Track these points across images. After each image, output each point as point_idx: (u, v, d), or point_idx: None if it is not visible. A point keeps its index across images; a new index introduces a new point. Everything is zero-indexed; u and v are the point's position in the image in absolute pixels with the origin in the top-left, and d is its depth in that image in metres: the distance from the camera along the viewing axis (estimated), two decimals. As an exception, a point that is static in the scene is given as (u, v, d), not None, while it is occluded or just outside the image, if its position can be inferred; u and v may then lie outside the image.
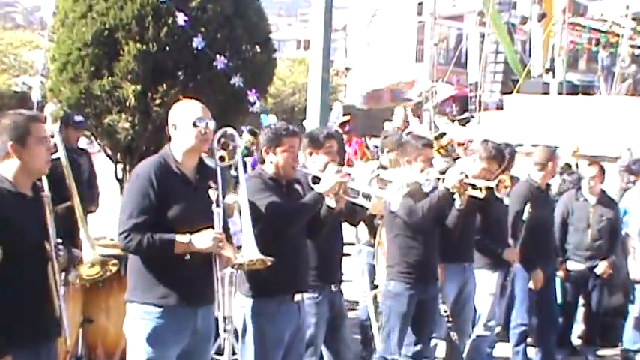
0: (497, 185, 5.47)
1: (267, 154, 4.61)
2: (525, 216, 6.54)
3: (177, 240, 3.75)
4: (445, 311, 5.94)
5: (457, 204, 5.56)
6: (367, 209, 5.05)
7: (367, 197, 4.76)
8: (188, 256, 3.79)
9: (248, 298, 4.53)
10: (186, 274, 3.84)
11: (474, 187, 5.53)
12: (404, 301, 5.52)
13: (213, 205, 3.88)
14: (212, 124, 3.96)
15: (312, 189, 4.57)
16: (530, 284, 6.77)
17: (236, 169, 4.61)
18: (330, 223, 4.70)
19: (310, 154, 5.12)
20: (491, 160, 6.00)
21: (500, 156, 6.13)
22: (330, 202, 4.59)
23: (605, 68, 21.07)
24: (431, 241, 5.69)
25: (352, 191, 4.74)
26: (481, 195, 5.51)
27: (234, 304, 4.91)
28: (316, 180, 4.67)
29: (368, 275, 7.20)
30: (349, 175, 4.74)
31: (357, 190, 4.77)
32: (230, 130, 4.37)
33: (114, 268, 3.97)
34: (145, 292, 3.85)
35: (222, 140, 4.33)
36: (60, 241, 3.60)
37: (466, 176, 5.54)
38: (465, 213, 5.60)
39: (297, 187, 4.76)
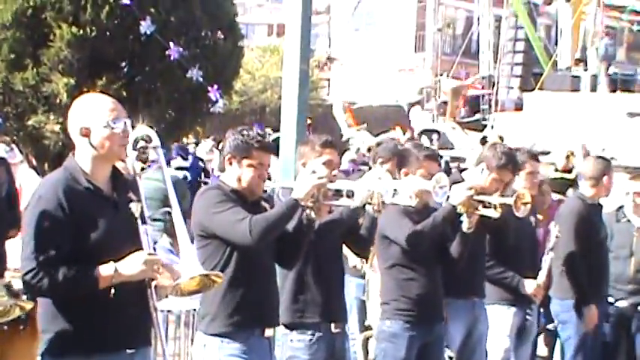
0: (515, 202, 5.51)
1: (230, 163, 4.63)
2: (553, 239, 6.61)
3: (100, 272, 3.73)
4: (450, 358, 5.96)
5: (464, 226, 5.56)
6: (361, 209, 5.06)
7: (349, 197, 4.78)
8: (112, 292, 3.74)
9: (210, 337, 4.54)
10: (116, 313, 3.81)
11: (485, 204, 5.56)
12: (402, 344, 5.51)
13: (139, 222, 3.87)
14: (129, 123, 3.96)
15: None
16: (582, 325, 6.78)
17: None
18: (306, 243, 4.72)
19: (304, 165, 5.16)
20: (503, 169, 6.03)
21: (513, 163, 6.19)
22: (309, 213, 4.62)
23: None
24: (434, 271, 5.68)
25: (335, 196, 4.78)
26: (496, 214, 5.54)
27: (193, 348, 4.93)
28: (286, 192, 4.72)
29: (357, 313, 7.23)
30: (333, 176, 4.77)
31: (339, 189, 4.79)
32: (145, 128, 4.31)
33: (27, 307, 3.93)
34: (65, 342, 3.82)
35: (140, 143, 4.26)
36: None
37: (476, 191, 5.57)
38: (473, 237, 5.63)
39: (265, 205, 4.79)
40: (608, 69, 20.17)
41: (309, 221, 4.65)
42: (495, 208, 5.53)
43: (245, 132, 4.69)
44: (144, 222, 3.91)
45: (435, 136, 20.20)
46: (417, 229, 5.51)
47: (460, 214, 5.51)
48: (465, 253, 5.64)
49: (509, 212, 5.57)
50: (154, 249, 3.97)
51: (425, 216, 5.53)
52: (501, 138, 13.94)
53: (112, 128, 3.86)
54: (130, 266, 3.77)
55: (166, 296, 4.03)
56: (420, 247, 5.51)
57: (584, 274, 6.71)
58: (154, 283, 3.85)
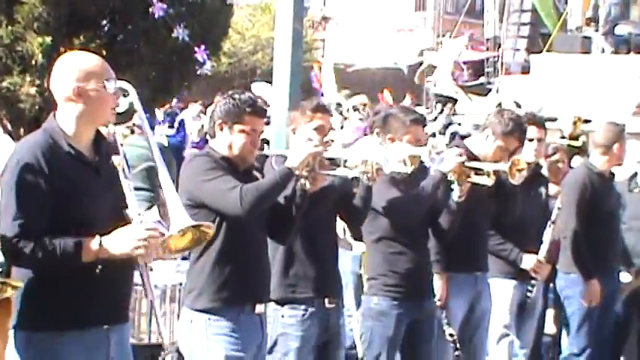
0: (510, 169, 5.51)
1: (221, 129, 4.64)
2: (555, 213, 6.61)
3: (84, 245, 3.72)
4: (451, 335, 5.97)
5: (455, 195, 5.57)
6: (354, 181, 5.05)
7: (349, 167, 4.78)
8: (99, 269, 3.74)
9: (197, 313, 4.57)
10: (96, 290, 3.81)
11: (478, 171, 5.55)
12: (390, 323, 5.55)
13: (121, 175, 3.85)
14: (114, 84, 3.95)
15: None
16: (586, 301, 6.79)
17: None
18: (300, 216, 4.71)
19: (294, 130, 5.15)
20: (509, 136, 6.01)
21: (520, 130, 6.17)
22: (303, 183, 4.62)
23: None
24: (423, 244, 5.72)
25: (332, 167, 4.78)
26: (489, 182, 5.54)
27: (179, 325, 4.94)
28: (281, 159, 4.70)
29: (353, 289, 7.24)
30: (326, 143, 4.78)
31: (335, 158, 4.79)
32: (121, 83, 4.28)
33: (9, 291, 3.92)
34: (38, 316, 3.83)
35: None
36: None
37: (468, 157, 5.56)
38: (467, 207, 5.63)
39: (257, 174, 4.79)
40: (612, 31, 20.09)
41: (303, 192, 4.64)
42: (488, 175, 5.53)
43: (237, 96, 4.68)
44: (126, 177, 3.90)
45: (449, 105, 19.94)
46: (405, 199, 5.51)
47: (451, 182, 5.51)
48: (455, 223, 5.65)
49: (521, 183, 5.57)
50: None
51: (413, 185, 5.51)
52: (518, 104, 13.91)
53: (106, 89, 3.84)
54: (118, 243, 3.74)
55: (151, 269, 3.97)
56: (408, 219, 5.51)
57: (588, 247, 6.70)
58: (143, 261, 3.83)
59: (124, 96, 4.13)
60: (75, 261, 3.72)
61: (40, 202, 3.73)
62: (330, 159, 4.82)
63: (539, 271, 6.48)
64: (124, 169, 3.91)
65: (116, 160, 3.90)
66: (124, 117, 4.22)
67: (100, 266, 3.76)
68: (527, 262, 6.41)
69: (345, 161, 4.81)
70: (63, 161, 3.82)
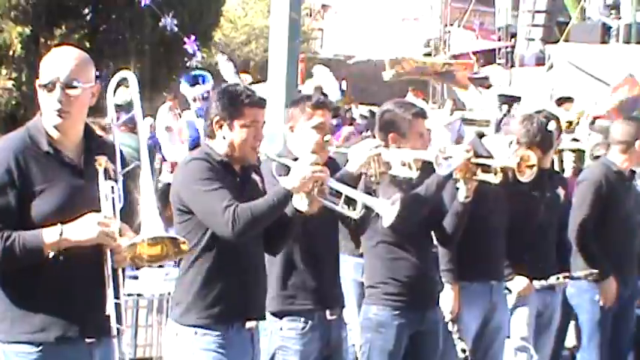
0: (518, 165, 5.49)
1: (220, 127, 4.59)
2: (585, 212, 6.63)
3: (44, 235, 3.71)
4: (464, 351, 5.97)
5: (461, 195, 5.56)
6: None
7: (350, 204, 4.78)
8: (60, 257, 3.73)
9: (183, 327, 4.56)
10: (64, 292, 3.81)
11: (484, 168, 5.52)
12: (390, 335, 5.52)
13: (100, 176, 3.83)
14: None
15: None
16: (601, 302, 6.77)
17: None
18: (293, 231, 4.71)
19: (292, 128, 5.14)
20: (534, 148, 6.00)
21: (548, 142, 6.15)
22: (298, 202, 4.61)
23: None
24: (426, 250, 5.69)
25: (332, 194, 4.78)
26: (496, 180, 5.53)
27: (165, 338, 4.94)
28: (282, 171, 4.68)
29: (355, 297, 7.23)
30: (327, 142, 4.82)
31: (338, 190, 4.78)
32: (126, 73, 4.28)
33: None
34: (13, 325, 3.82)
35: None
36: None
37: (475, 154, 5.55)
38: (481, 211, 5.63)
39: (255, 177, 4.77)
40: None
41: (297, 212, 4.63)
42: (496, 173, 5.51)
43: (231, 88, 4.67)
44: (110, 178, 3.89)
45: (515, 105, 19.73)
46: (406, 200, 5.49)
47: (456, 181, 5.51)
48: (461, 227, 5.64)
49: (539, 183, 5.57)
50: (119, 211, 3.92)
51: (415, 185, 5.50)
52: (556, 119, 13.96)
53: (41, 89, 3.88)
54: (79, 229, 3.76)
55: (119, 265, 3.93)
56: (409, 222, 5.47)
57: (599, 247, 6.68)
58: (108, 249, 3.81)
59: (126, 87, 4.15)
60: (37, 253, 3.73)
61: (2, 203, 3.75)
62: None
63: (525, 295, 6.43)
64: (106, 170, 3.91)
65: (100, 160, 3.89)
66: (126, 109, 4.22)
67: (61, 257, 3.76)
68: (518, 284, 6.37)
69: (352, 201, 4.78)
70: (39, 162, 3.84)
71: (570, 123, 11.13)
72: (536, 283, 6.28)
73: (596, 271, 6.68)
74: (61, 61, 3.89)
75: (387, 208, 4.71)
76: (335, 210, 4.73)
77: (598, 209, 6.70)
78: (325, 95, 5.20)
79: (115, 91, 4.14)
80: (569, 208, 6.78)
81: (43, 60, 3.97)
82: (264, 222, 4.50)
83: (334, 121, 11.31)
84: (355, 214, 4.73)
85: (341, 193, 4.67)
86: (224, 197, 4.42)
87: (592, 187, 6.79)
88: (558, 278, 6.46)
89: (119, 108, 4.21)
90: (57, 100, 3.82)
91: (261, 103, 4.66)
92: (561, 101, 14.41)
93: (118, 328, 3.89)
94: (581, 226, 6.68)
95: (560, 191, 6.68)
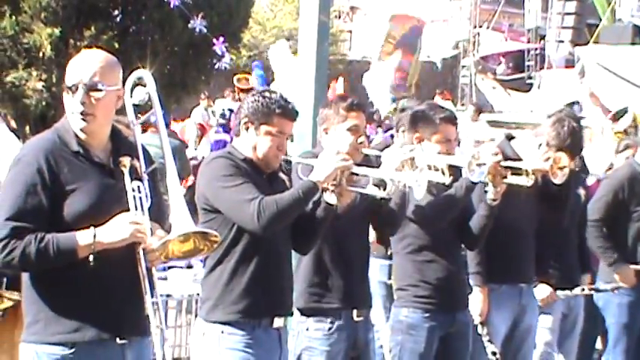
0: (551, 167, 5.46)
1: (247, 128, 4.63)
2: (600, 210, 6.64)
3: (78, 238, 3.72)
4: (494, 353, 5.95)
5: (489, 197, 5.54)
6: (386, 200, 5.06)
7: (380, 185, 4.79)
8: (91, 260, 3.74)
9: (210, 325, 4.59)
10: (99, 294, 3.82)
11: (514, 171, 5.50)
12: (421, 336, 5.53)
13: (126, 178, 3.85)
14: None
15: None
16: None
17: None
18: (324, 228, 4.72)
19: (326, 131, 5.15)
20: (564, 150, 5.97)
21: (579, 145, 6.10)
22: (329, 196, 4.62)
23: None
24: (456, 252, 5.70)
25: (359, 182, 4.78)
26: (527, 182, 5.50)
27: (192, 338, 4.96)
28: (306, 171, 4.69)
29: (381, 300, 7.22)
30: (361, 144, 4.82)
31: (366, 175, 4.79)
32: (142, 72, 4.27)
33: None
34: (47, 327, 3.83)
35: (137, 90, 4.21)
36: None
37: (504, 156, 5.52)
38: (511, 213, 5.61)
39: (283, 177, 4.79)
40: None
41: (328, 205, 4.63)
42: (527, 175, 5.48)
43: (267, 94, 4.68)
44: (136, 178, 3.91)
45: (576, 108, 19.63)
46: (436, 204, 5.49)
47: (485, 184, 5.48)
48: (486, 229, 5.62)
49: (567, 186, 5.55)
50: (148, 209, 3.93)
51: (444, 188, 5.48)
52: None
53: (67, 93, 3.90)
54: (112, 230, 3.78)
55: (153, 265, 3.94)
56: (439, 224, 5.49)
57: (618, 241, 6.67)
58: (141, 248, 3.82)
59: (143, 86, 4.15)
60: (70, 256, 3.75)
61: (35, 203, 3.76)
62: (361, 164, 4.81)
63: (546, 304, 6.39)
64: (133, 170, 3.93)
65: (124, 160, 3.91)
66: (144, 109, 4.21)
67: (92, 258, 3.76)
68: (541, 292, 6.34)
69: (380, 181, 4.78)
70: (69, 162, 3.86)
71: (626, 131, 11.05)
72: (560, 294, 6.26)
73: (622, 285, 6.69)
74: (85, 63, 3.91)
75: (416, 179, 4.73)
76: (366, 194, 4.77)
77: (615, 211, 6.70)
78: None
79: (132, 91, 4.14)
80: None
81: (69, 62, 3.99)
82: (291, 215, 4.51)
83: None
84: (385, 193, 4.76)
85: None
86: (249, 191, 4.44)
87: (613, 187, 6.80)
88: (583, 289, 6.44)
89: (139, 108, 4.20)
90: (79, 102, 3.83)
91: (292, 115, 4.67)
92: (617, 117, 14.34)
93: (160, 329, 3.90)
94: (592, 222, 6.68)
95: (581, 191, 6.65)
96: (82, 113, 3.85)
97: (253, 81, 17.01)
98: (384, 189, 4.75)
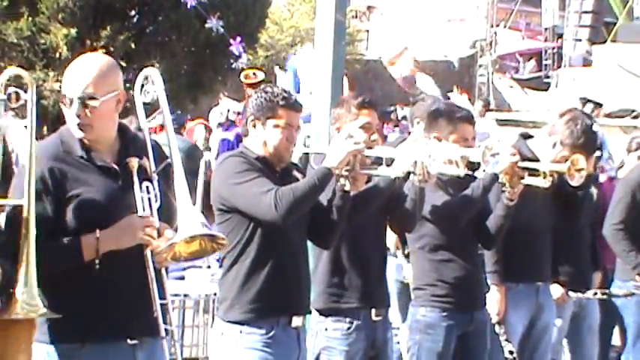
0: (568, 169, 5.43)
1: (254, 126, 4.64)
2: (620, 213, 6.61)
3: (82, 239, 3.73)
4: (511, 352, 5.93)
5: (506, 196, 5.52)
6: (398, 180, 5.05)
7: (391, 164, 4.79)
8: (97, 263, 3.73)
9: (228, 325, 4.59)
10: (107, 293, 3.81)
11: (532, 172, 5.48)
12: (439, 336, 5.51)
13: (135, 178, 3.82)
14: None
15: None
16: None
17: None
18: (344, 218, 4.72)
19: (339, 129, 5.15)
20: (578, 149, 5.94)
21: (593, 144, 6.07)
22: (342, 183, 4.62)
23: None
24: (473, 251, 5.69)
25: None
26: (545, 183, 5.48)
27: (211, 338, 4.96)
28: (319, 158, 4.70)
29: (397, 299, 7.21)
30: (373, 142, 4.81)
31: (378, 157, 4.79)
32: (150, 70, 4.25)
33: None
34: (56, 327, 3.81)
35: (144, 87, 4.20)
36: None
37: (525, 159, 5.51)
38: (528, 212, 5.59)
39: (297, 174, 4.80)
40: None
41: (343, 192, 4.64)
42: (545, 176, 5.46)
43: (268, 89, 4.70)
44: (145, 179, 3.88)
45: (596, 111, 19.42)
46: (453, 203, 5.48)
47: (502, 184, 5.47)
48: (503, 229, 5.61)
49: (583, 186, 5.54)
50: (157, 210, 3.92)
51: (461, 187, 5.48)
52: (587, 102, 13.77)
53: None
54: (118, 233, 3.78)
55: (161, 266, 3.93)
56: (457, 224, 5.48)
57: (633, 243, 6.65)
58: (148, 250, 3.81)
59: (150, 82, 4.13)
60: (76, 260, 3.76)
61: (39, 210, 3.73)
62: (375, 158, 4.82)
63: (562, 303, 6.37)
64: (141, 170, 3.90)
65: (132, 162, 3.89)
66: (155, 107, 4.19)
67: (97, 261, 3.75)
68: (554, 292, 6.32)
69: (392, 162, 4.79)
70: (74, 167, 3.86)
71: None
72: (572, 295, 6.25)
73: (636, 291, 6.66)
74: (78, 75, 3.86)
75: (429, 154, 4.75)
76: (378, 175, 4.77)
77: (633, 212, 6.68)
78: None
79: (141, 90, 4.13)
80: (601, 206, 6.78)
81: (65, 72, 3.96)
82: (307, 203, 4.52)
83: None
84: (399, 172, 4.76)
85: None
86: (264, 184, 4.46)
87: (630, 187, 6.78)
88: (596, 293, 6.42)
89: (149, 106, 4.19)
90: (75, 114, 3.81)
91: (296, 106, 4.68)
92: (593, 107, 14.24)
93: (166, 329, 3.89)
94: (614, 226, 6.66)
95: (593, 190, 6.62)
96: (78, 125, 3.83)
97: (286, 83, 16.99)
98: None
